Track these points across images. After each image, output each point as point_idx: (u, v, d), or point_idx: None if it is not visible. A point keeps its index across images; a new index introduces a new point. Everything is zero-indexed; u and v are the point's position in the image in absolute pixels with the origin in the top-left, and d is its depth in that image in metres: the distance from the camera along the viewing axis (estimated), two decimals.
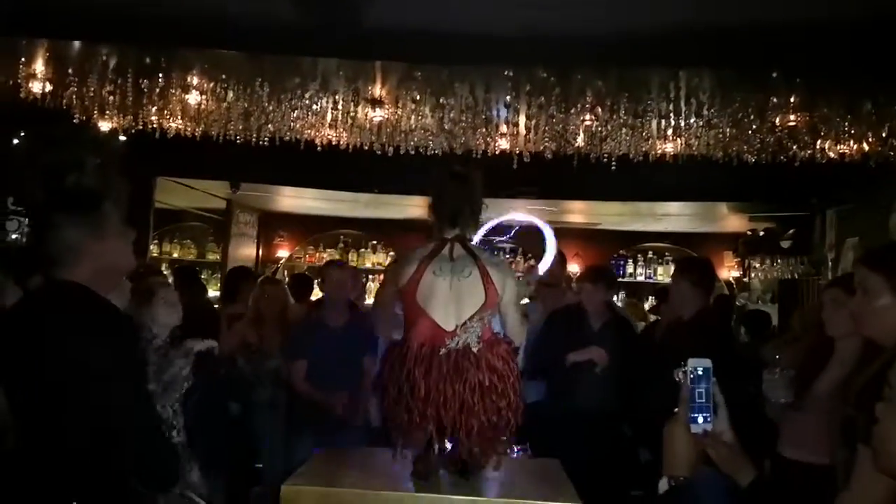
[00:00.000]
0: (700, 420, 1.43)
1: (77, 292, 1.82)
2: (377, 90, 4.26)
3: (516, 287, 2.42)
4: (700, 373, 1.44)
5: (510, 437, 2.34)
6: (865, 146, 4.66)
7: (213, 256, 9.24)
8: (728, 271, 8.79)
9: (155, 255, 9.20)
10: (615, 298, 8.74)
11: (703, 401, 1.44)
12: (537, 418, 4.16)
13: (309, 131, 5.05)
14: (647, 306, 9.04)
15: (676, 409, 1.46)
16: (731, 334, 5.19)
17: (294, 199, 8.21)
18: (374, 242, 9.29)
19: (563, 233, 8.98)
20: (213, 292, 8.87)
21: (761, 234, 7.74)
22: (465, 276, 2.30)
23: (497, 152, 5.23)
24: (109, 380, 1.72)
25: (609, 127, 4.52)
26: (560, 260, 4.72)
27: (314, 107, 4.55)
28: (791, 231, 7.21)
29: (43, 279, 1.95)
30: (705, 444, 1.45)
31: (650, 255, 9.25)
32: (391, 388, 2.28)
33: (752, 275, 7.86)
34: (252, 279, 5.34)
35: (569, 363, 4.20)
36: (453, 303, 2.29)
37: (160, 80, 4.26)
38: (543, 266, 4.07)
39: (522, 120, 4.54)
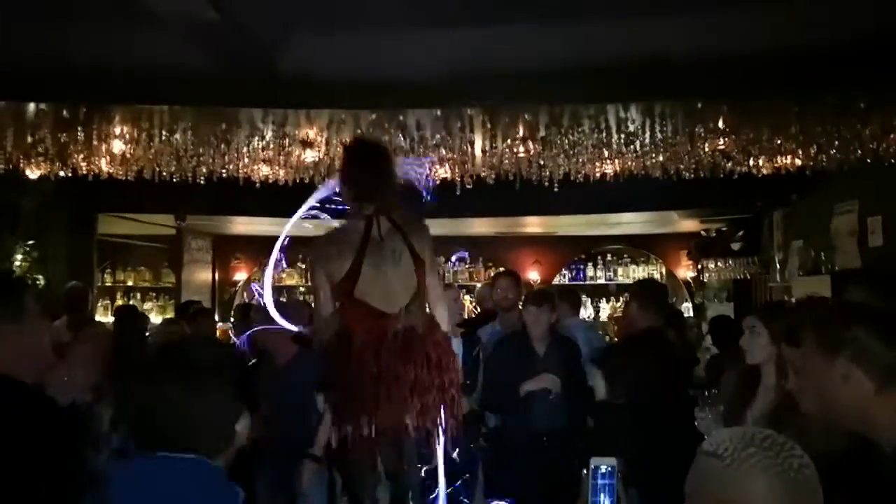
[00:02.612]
0: None
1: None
2: (307, 132, 4.19)
3: (429, 243, 2.50)
4: (604, 471, 1.46)
5: (457, 416, 2.41)
6: (798, 161, 4.72)
7: (168, 281, 9.08)
8: (685, 271, 8.89)
9: (108, 284, 9.04)
10: (594, 311, 8.98)
11: (608, 497, 1.45)
12: (494, 444, 4.21)
13: (245, 169, 4.96)
14: (609, 308, 9.15)
15: None
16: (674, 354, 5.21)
17: (247, 223, 8.09)
18: None
19: (521, 241, 9.10)
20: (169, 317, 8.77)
21: (713, 235, 7.83)
22: (399, 264, 2.35)
23: (438, 181, 5.19)
24: (23, 469, 1.67)
25: (544, 156, 4.51)
26: (513, 282, 4.65)
27: (244, 149, 4.46)
28: (740, 233, 7.30)
29: None
30: None
31: (609, 257, 9.31)
32: (340, 376, 2.33)
33: (706, 275, 7.96)
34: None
35: (523, 393, 4.18)
36: (392, 290, 2.36)
37: (80, 132, 4.14)
38: None
39: (454, 151, 4.50)
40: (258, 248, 9.08)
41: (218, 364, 1.57)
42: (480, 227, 8.16)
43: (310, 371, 3.97)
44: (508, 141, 4.22)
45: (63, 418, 1.91)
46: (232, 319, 6.46)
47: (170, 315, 8.71)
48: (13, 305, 1.87)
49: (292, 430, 3.95)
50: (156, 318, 8.81)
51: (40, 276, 5.86)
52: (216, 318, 7.79)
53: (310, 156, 4.41)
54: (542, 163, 4.68)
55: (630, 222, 7.88)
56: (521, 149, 4.25)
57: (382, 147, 2.54)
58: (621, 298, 9.01)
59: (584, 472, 1.52)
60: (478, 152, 4.50)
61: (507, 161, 4.55)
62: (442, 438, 2.34)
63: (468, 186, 5.17)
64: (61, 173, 5.10)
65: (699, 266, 8.05)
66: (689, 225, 8.14)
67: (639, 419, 3.60)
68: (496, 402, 4.24)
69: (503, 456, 4.12)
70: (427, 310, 2.46)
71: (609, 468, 1.48)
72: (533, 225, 8.04)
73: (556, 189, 5.13)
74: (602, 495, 1.48)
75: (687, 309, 8.80)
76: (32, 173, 5.05)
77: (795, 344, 1.78)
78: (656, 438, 3.50)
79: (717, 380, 3.83)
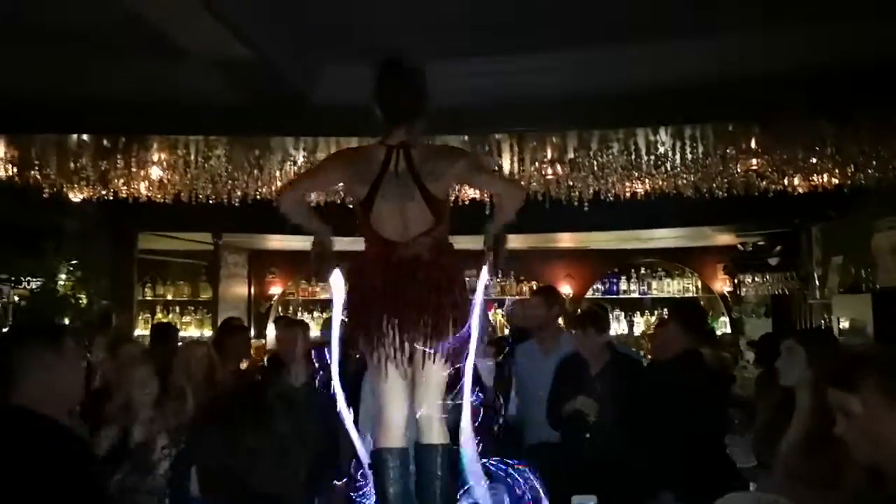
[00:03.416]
0: None
1: (24, 417, 1.83)
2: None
3: (463, 161, 2.51)
4: None
5: (456, 331, 2.46)
6: (835, 179, 4.61)
7: (206, 295, 9.26)
8: (721, 285, 8.73)
9: (149, 298, 9.27)
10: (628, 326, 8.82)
11: None
12: (550, 462, 4.16)
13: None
14: (644, 323, 9.02)
15: None
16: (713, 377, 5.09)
17: (282, 239, 8.23)
18: None
19: (553, 255, 9.04)
20: (207, 332, 8.96)
21: (750, 249, 7.67)
22: (411, 200, 2.41)
23: (468, 201, 5.22)
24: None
25: (572, 177, 4.50)
26: (546, 300, 4.59)
27: (276, 173, 4.56)
28: (778, 248, 7.14)
29: None
30: None
31: (643, 270, 9.17)
32: (354, 293, 2.47)
33: (744, 290, 7.81)
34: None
35: (565, 415, 4.13)
36: (402, 224, 2.43)
37: (119, 159, 4.28)
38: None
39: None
40: (293, 262, 9.23)
41: None
42: (512, 241, 8.10)
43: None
44: (536, 164, 4.22)
45: (79, 450, 1.93)
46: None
47: (207, 329, 8.93)
48: (51, 349, 1.95)
49: None
50: (194, 332, 9.05)
51: (83, 295, 6.05)
52: (251, 332, 7.92)
53: None
54: (570, 183, 4.67)
55: (664, 237, 7.78)
56: (550, 171, 4.25)
57: (417, 69, 2.48)
58: (655, 312, 8.91)
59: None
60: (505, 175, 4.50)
61: (535, 182, 4.55)
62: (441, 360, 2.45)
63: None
64: (102, 195, 5.29)
65: (736, 280, 7.90)
66: (724, 238, 7.99)
67: (670, 443, 3.56)
68: (552, 419, 4.20)
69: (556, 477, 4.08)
70: (443, 239, 2.52)
71: None
72: (565, 239, 7.99)
73: (585, 208, 5.12)
74: None
75: (724, 324, 8.64)
76: (75, 196, 5.23)
77: (847, 388, 1.73)
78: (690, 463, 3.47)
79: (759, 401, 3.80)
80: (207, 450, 1.49)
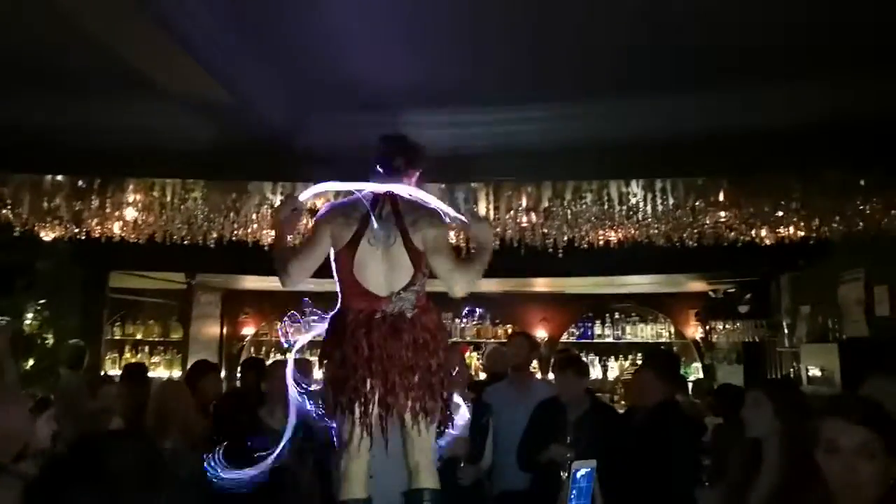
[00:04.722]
0: None
1: None
2: (315, 203, 4.27)
3: (437, 232, 2.48)
4: (583, 473, 1.47)
5: (445, 402, 2.47)
6: (801, 232, 4.74)
7: (176, 335, 9.11)
8: (693, 331, 8.83)
9: (118, 337, 9.09)
10: (602, 370, 8.86)
11: (583, 499, 1.47)
12: None
13: (253, 234, 5.05)
14: (618, 368, 9.05)
15: None
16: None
17: (258, 278, 8.17)
18: None
19: (529, 298, 9.09)
20: (176, 371, 8.78)
21: (721, 297, 7.80)
22: (392, 244, 2.42)
23: None
24: None
25: (547, 225, 4.57)
26: (527, 343, 4.64)
27: (253, 216, 4.56)
28: (747, 296, 7.27)
29: None
30: None
31: (617, 315, 9.26)
32: (335, 352, 2.42)
33: (715, 337, 7.91)
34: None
35: (542, 461, 4.10)
36: (385, 273, 2.42)
37: (94, 200, 4.25)
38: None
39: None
40: (267, 302, 9.16)
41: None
42: (488, 285, 8.18)
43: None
44: (512, 212, 4.28)
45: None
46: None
47: (177, 369, 8.76)
48: None
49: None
50: (163, 372, 8.86)
51: (49, 335, 5.92)
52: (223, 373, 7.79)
53: None
54: (545, 231, 4.73)
55: (638, 282, 7.88)
56: (524, 219, 4.31)
57: (415, 143, 2.66)
58: (629, 357, 8.96)
59: (564, 474, 1.56)
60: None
61: (510, 230, 4.61)
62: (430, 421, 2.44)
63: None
64: (75, 234, 5.23)
65: (707, 327, 8.00)
66: (697, 285, 8.12)
67: (645, 495, 3.55)
68: (525, 463, 4.16)
69: None
70: (423, 294, 2.50)
71: (588, 470, 1.51)
72: (541, 283, 8.05)
73: (560, 255, 5.18)
74: (581, 495, 1.50)
75: (696, 370, 8.71)
76: (47, 235, 5.16)
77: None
78: None
79: (723, 452, 3.79)
80: None
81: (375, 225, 2.43)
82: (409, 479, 2.49)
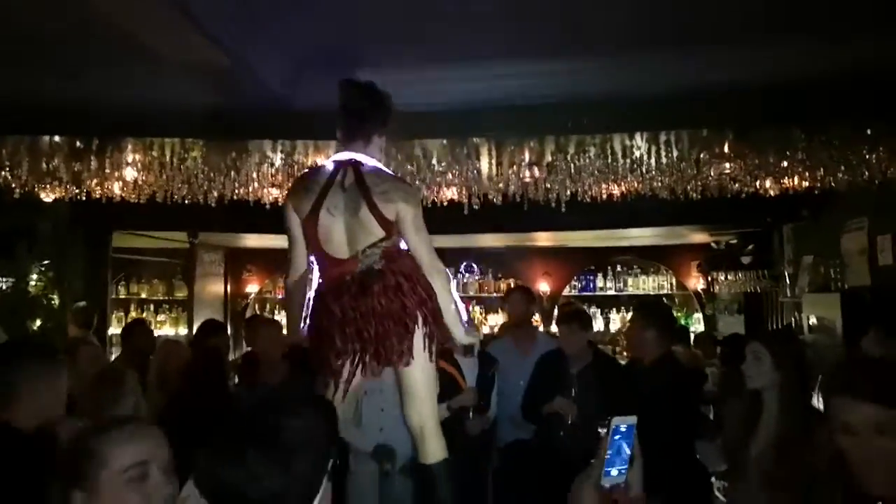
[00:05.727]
0: (614, 473, 1.41)
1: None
2: (315, 160, 4.24)
3: (411, 208, 2.39)
4: (623, 429, 1.42)
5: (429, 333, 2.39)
6: (805, 182, 4.71)
7: (181, 294, 9.17)
8: (695, 282, 8.86)
9: (123, 296, 9.15)
10: (604, 323, 8.92)
11: (622, 455, 1.42)
12: (524, 459, 4.18)
13: (254, 193, 5.03)
14: (620, 320, 9.12)
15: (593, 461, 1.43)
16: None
17: (260, 236, 8.17)
18: None
19: (530, 253, 9.10)
20: (182, 330, 8.87)
21: (723, 248, 7.79)
22: (357, 214, 2.33)
23: (446, 202, 5.23)
24: None
25: (550, 180, 4.54)
26: (524, 297, 4.64)
27: (254, 174, 4.53)
28: (750, 247, 7.26)
29: None
30: (614, 497, 1.42)
31: (619, 268, 9.28)
32: (314, 323, 2.41)
33: (717, 288, 7.93)
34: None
35: (544, 414, 4.14)
36: (349, 240, 2.35)
37: (93, 160, 4.22)
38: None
39: (461, 176, 4.54)
40: (270, 260, 9.18)
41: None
42: (489, 240, 8.19)
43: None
44: (514, 167, 4.25)
45: (27, 448, 1.91)
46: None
47: (183, 327, 8.85)
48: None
49: None
50: (169, 330, 8.96)
51: (55, 295, 5.95)
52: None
53: None
54: (548, 186, 4.70)
55: (639, 235, 7.87)
56: (527, 174, 4.28)
57: (377, 91, 2.44)
58: (631, 309, 9.00)
59: (602, 430, 1.48)
60: (484, 177, 4.53)
61: (512, 185, 4.58)
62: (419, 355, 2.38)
63: (475, 207, 5.21)
64: (76, 195, 5.21)
65: (709, 278, 8.02)
66: (699, 237, 8.11)
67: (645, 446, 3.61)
68: (528, 415, 4.21)
69: (516, 475, 4.11)
70: (394, 247, 2.42)
71: (628, 426, 1.44)
72: (542, 238, 8.05)
73: (562, 209, 5.16)
74: (619, 451, 1.44)
75: (697, 320, 8.78)
76: (47, 197, 5.14)
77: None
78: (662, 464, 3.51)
79: (727, 401, 3.84)
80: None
81: (335, 194, 2.34)
82: (416, 449, 2.43)
